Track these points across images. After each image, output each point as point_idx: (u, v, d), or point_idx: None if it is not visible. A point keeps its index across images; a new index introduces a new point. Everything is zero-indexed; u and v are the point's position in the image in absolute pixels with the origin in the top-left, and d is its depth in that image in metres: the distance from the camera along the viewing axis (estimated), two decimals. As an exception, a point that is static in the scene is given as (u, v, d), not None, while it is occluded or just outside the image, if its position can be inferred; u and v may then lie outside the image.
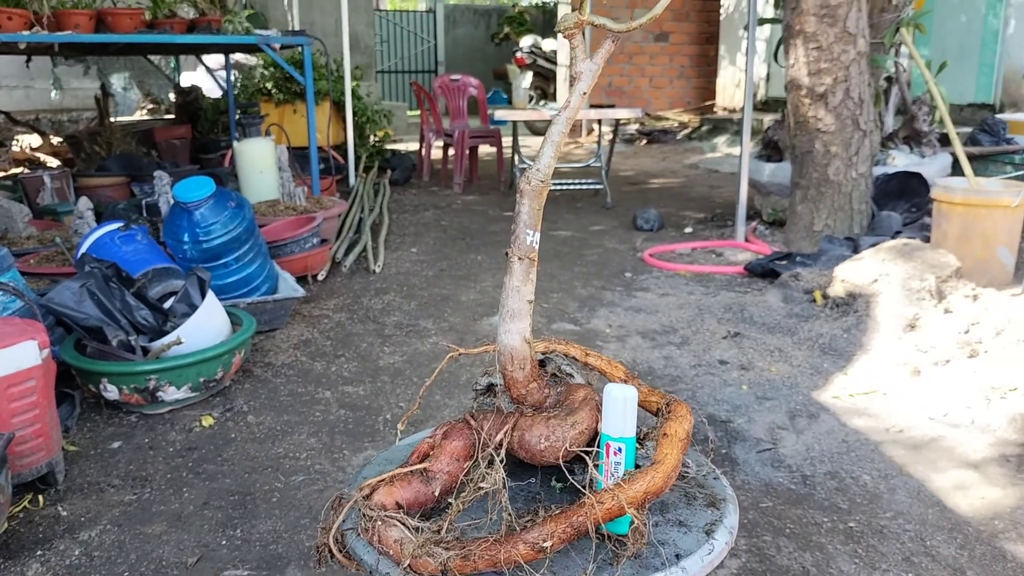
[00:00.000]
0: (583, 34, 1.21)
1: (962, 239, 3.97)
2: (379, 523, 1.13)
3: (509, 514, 1.12)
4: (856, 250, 4.17)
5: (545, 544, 1.06)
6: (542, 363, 1.33)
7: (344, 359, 3.35)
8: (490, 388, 1.34)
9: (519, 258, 1.24)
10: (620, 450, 1.19)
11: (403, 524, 1.12)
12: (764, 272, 4.30)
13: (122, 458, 2.57)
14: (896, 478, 2.39)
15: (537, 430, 1.22)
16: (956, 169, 4.81)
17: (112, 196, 5.56)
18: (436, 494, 1.21)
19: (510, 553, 1.05)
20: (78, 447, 2.64)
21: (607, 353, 3.36)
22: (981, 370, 2.97)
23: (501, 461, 1.18)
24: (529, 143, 10.26)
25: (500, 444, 1.22)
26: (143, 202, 4.35)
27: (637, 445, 1.23)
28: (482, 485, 1.18)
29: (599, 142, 7.16)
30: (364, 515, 1.14)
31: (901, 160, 4.92)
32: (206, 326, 2.88)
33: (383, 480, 1.24)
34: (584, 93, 1.19)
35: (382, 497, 1.19)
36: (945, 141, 5.18)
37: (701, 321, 3.72)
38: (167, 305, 3.02)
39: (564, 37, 1.18)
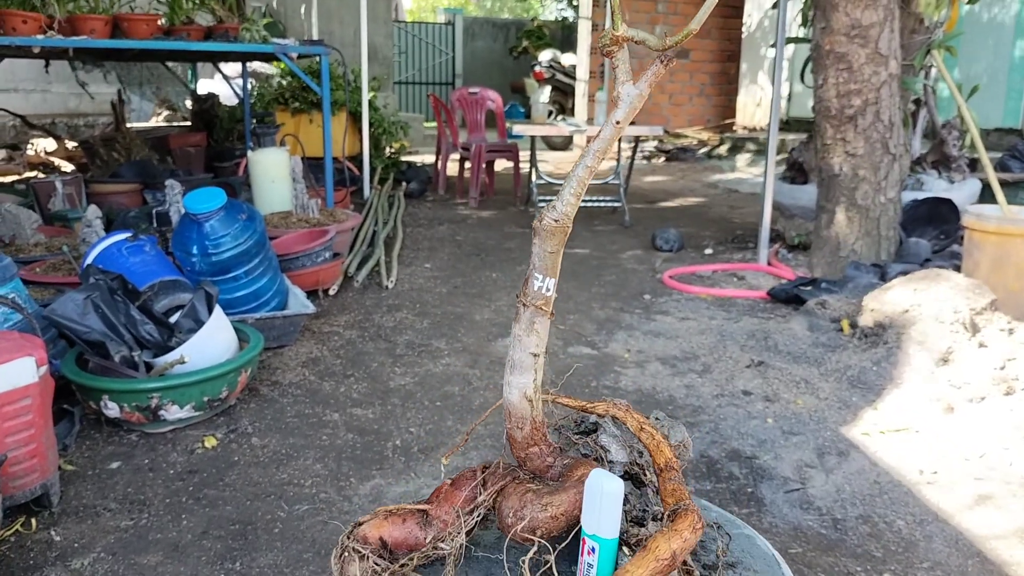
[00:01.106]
0: (625, 51, 1.09)
1: (995, 269, 3.83)
2: (347, 554, 1.06)
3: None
4: (884, 277, 4.04)
5: None
6: (586, 430, 1.20)
7: (353, 379, 3.24)
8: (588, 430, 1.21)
9: (524, 305, 1.11)
10: (593, 550, 1.01)
11: (369, 560, 1.04)
12: (788, 298, 4.18)
13: (120, 480, 2.47)
14: (932, 524, 2.26)
15: (510, 502, 1.09)
16: (985, 196, 4.68)
17: (124, 203, 5.50)
18: (428, 540, 1.10)
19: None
20: (76, 466, 2.54)
21: (625, 379, 3.25)
22: (1018, 408, 2.84)
23: (478, 522, 1.08)
24: (547, 158, 10.18)
25: (479, 506, 1.10)
26: (153, 211, 4.27)
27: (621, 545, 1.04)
28: (440, 546, 1.07)
29: (618, 159, 7.05)
30: (341, 543, 1.10)
31: (931, 185, 4.80)
32: (212, 343, 2.78)
33: (378, 513, 1.16)
34: (618, 122, 1.06)
35: (368, 530, 1.13)
36: (974, 166, 5.05)
37: (723, 348, 3.60)
38: (173, 319, 2.93)
39: (604, 55, 1.07)
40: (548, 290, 1.11)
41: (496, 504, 1.11)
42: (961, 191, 4.87)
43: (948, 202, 4.66)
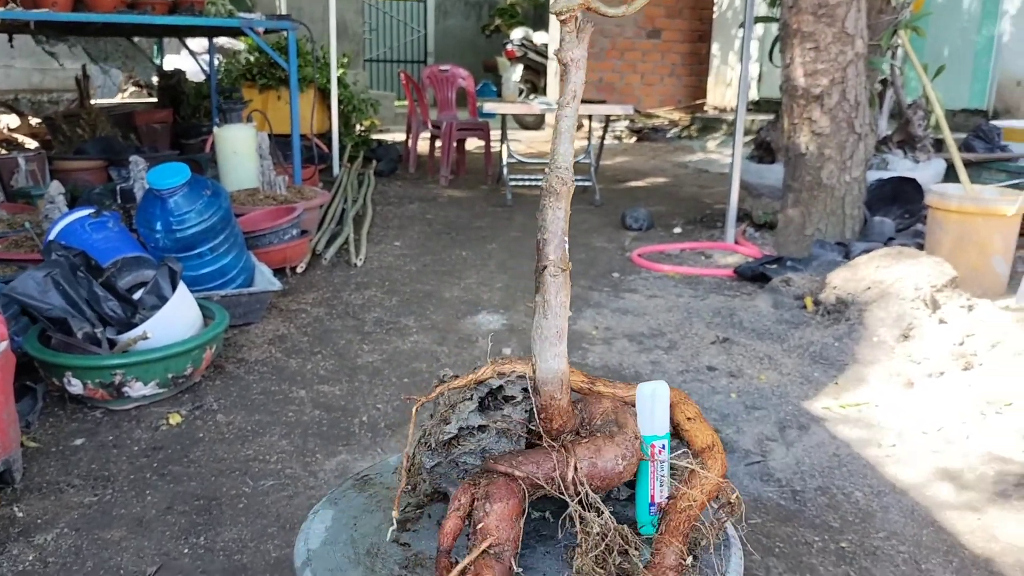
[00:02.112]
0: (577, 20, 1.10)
1: (957, 247, 3.90)
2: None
3: (637, 549, 1.04)
4: (848, 256, 4.09)
5: (685, 560, 1.03)
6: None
7: (321, 356, 3.24)
8: (497, 400, 1.21)
9: (558, 270, 1.11)
10: (663, 447, 1.14)
11: None
12: (754, 276, 4.22)
13: (84, 456, 2.45)
14: (889, 495, 2.31)
15: (609, 452, 1.10)
16: (949, 175, 4.74)
17: (89, 180, 5.42)
18: (511, 567, 1.03)
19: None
20: (39, 443, 2.52)
21: (592, 356, 3.27)
22: (976, 383, 2.89)
23: (585, 499, 1.07)
24: (519, 137, 10.16)
25: (578, 482, 1.08)
26: (117, 188, 4.21)
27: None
28: (590, 530, 1.05)
29: (589, 138, 7.06)
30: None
31: (896, 165, 4.85)
32: (176, 319, 2.76)
33: None
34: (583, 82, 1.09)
35: None
36: (939, 146, 5.12)
37: (689, 325, 3.63)
38: (136, 296, 2.90)
39: (560, 20, 1.07)
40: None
41: (583, 470, 1.10)
42: (926, 171, 4.93)
43: (912, 182, 4.72)
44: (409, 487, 1.19)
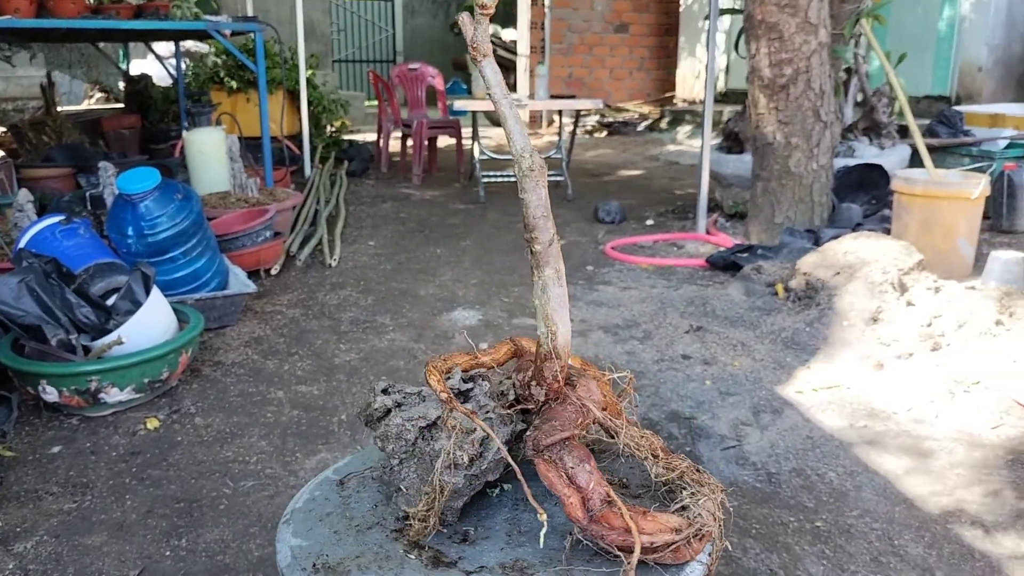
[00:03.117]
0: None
1: (923, 231, 3.97)
2: None
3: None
4: (817, 242, 4.15)
5: None
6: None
7: (298, 357, 3.24)
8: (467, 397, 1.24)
9: (553, 243, 1.18)
10: None
11: None
12: (726, 265, 4.27)
13: (62, 464, 2.44)
14: (862, 475, 2.35)
15: (593, 387, 1.24)
16: (914, 161, 4.82)
17: (58, 187, 5.37)
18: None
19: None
20: (15, 452, 2.51)
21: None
22: (944, 363, 2.95)
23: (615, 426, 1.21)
24: (490, 134, 10.17)
25: (602, 416, 1.20)
26: (87, 194, 4.19)
27: None
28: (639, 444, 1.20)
29: (560, 133, 7.09)
30: None
31: (862, 152, 4.92)
32: (150, 324, 2.75)
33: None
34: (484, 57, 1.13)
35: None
36: (904, 133, 5.19)
37: (663, 315, 3.67)
38: (110, 302, 2.89)
39: (482, 13, 1.10)
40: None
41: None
42: (891, 157, 5.00)
43: (879, 168, 4.79)
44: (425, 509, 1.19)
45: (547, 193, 1.19)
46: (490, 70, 1.13)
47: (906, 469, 2.37)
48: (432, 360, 1.23)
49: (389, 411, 1.25)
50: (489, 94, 1.14)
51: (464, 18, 1.10)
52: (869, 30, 4.79)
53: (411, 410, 1.24)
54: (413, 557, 1.12)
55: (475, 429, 1.15)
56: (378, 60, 16.82)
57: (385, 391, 1.28)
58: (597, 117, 11.00)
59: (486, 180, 6.58)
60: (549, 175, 6.03)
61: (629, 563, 1.03)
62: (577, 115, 7.08)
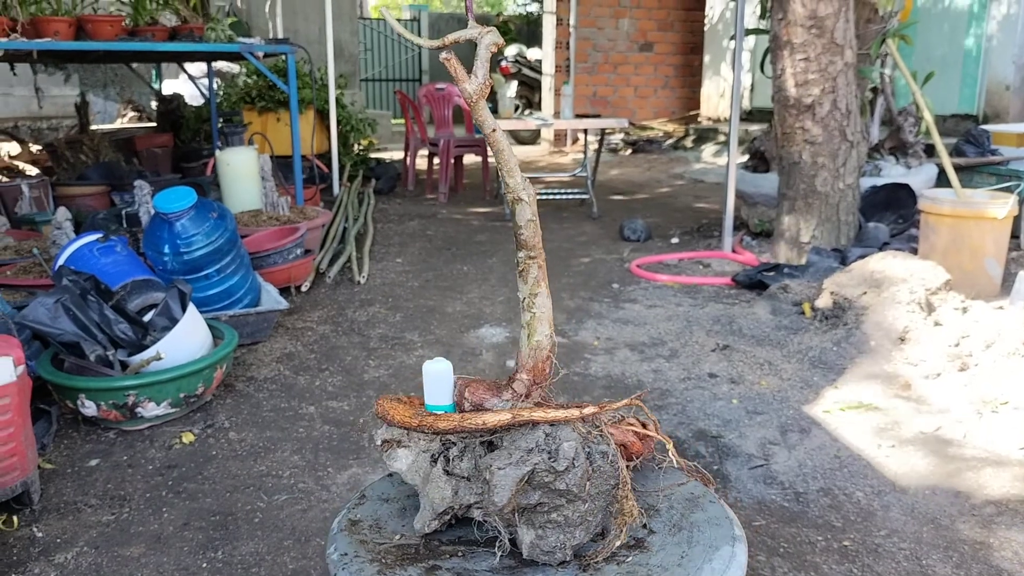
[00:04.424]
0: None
1: (950, 251, 3.96)
2: None
3: None
4: (844, 262, 4.16)
5: None
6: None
7: (328, 373, 3.29)
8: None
9: (538, 257, 1.31)
10: None
11: None
12: (752, 284, 4.28)
13: (100, 476, 2.50)
14: (890, 495, 2.36)
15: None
16: (941, 180, 4.81)
17: (92, 205, 5.49)
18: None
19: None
20: (54, 465, 2.57)
21: (595, 366, 3.33)
22: (972, 383, 2.95)
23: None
24: (514, 152, 10.22)
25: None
26: (123, 212, 4.28)
27: None
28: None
29: (584, 152, 7.13)
30: None
31: (889, 171, 4.92)
32: (186, 340, 2.81)
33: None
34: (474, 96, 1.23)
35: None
36: (930, 152, 5.19)
37: (690, 333, 3.69)
38: (147, 318, 2.96)
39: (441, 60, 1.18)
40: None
41: None
42: (918, 176, 5.00)
43: (905, 187, 4.79)
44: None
45: (535, 216, 1.30)
46: (484, 113, 1.20)
47: (935, 489, 2.38)
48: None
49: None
50: (480, 129, 1.22)
51: (454, 65, 1.16)
52: (895, 50, 4.80)
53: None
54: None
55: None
56: (404, 79, 17.00)
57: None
58: (622, 135, 11.05)
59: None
60: (574, 193, 6.09)
61: None
62: (602, 134, 7.13)
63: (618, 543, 1.19)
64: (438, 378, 1.31)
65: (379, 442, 1.30)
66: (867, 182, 4.85)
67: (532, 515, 1.17)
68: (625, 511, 1.20)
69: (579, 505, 1.17)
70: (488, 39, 1.14)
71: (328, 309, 4.10)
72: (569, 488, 1.15)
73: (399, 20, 17.69)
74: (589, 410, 1.18)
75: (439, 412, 1.27)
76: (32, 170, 7.36)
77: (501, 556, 1.19)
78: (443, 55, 1.14)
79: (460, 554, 1.20)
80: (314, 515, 2.27)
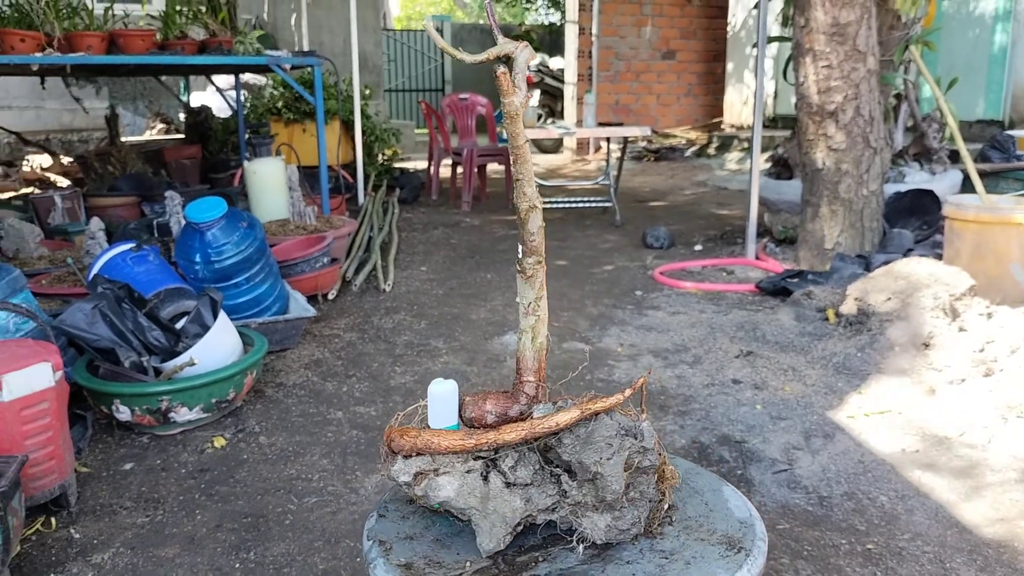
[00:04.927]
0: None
1: (975, 256, 3.95)
2: None
3: None
4: (868, 268, 4.16)
5: None
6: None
7: (355, 379, 3.34)
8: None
9: (541, 264, 1.28)
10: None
11: None
12: (776, 290, 4.29)
13: (134, 480, 2.56)
14: (913, 499, 2.37)
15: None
16: (966, 186, 4.80)
17: (123, 216, 5.59)
18: None
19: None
20: (90, 468, 2.63)
21: (618, 373, 3.35)
22: (997, 389, 2.95)
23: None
24: (537, 161, 10.28)
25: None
26: (154, 222, 4.36)
27: None
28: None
29: (607, 160, 7.17)
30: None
31: (913, 177, 4.91)
32: (218, 346, 2.87)
33: None
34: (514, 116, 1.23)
35: None
36: (955, 158, 5.17)
37: (713, 340, 3.70)
38: (179, 325, 3.02)
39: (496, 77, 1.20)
40: (519, 254, 1.30)
41: None
42: (942, 182, 4.99)
43: (930, 193, 4.78)
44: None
45: (541, 224, 1.28)
46: (520, 126, 1.22)
47: (959, 493, 2.38)
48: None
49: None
50: (510, 145, 1.23)
51: (507, 78, 1.18)
52: (918, 56, 4.80)
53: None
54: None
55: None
56: (427, 89, 17.11)
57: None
58: (645, 143, 11.07)
59: (535, 207, 6.66)
60: (597, 201, 6.11)
61: None
62: (625, 142, 7.16)
63: (667, 505, 1.26)
64: (444, 399, 1.28)
65: (407, 479, 1.23)
66: (891, 188, 4.85)
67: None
68: (667, 476, 1.26)
69: (652, 478, 1.23)
70: (525, 54, 1.17)
71: (354, 316, 4.15)
72: (652, 464, 1.21)
73: (422, 31, 17.83)
74: (628, 392, 1.23)
75: (503, 426, 1.24)
76: (64, 182, 7.51)
77: (581, 547, 1.21)
78: (500, 69, 1.16)
79: (542, 559, 1.20)
80: (343, 517, 2.31)
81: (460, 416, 1.30)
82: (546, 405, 1.28)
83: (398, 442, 1.24)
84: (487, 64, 1.18)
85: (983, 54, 7.83)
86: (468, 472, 1.22)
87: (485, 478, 1.22)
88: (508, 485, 1.22)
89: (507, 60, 1.16)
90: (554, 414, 1.21)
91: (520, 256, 1.30)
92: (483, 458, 1.24)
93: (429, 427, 1.29)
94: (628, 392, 1.23)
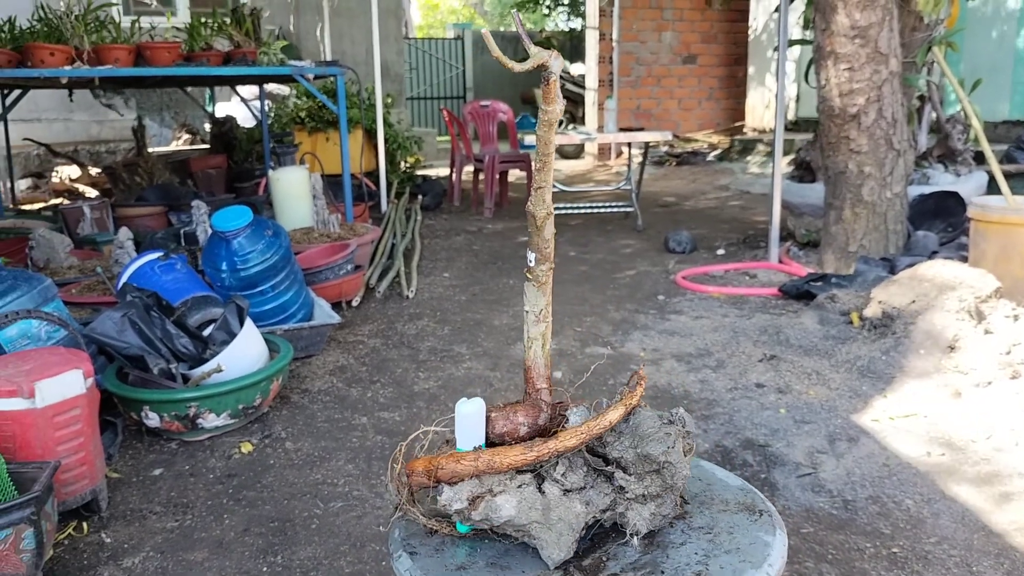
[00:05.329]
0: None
1: (1000, 258, 3.92)
2: None
3: None
4: (892, 271, 4.13)
5: None
6: None
7: (380, 385, 3.37)
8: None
9: (549, 270, 1.32)
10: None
11: None
12: (799, 294, 4.27)
13: (163, 485, 2.60)
14: (939, 502, 2.35)
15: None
16: (992, 187, 4.76)
17: (150, 226, 5.66)
18: None
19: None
20: (120, 474, 2.68)
21: (642, 377, 3.35)
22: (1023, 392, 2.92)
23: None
24: (559, 166, 10.30)
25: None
26: (181, 231, 4.42)
27: None
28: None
29: (629, 165, 7.17)
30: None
31: (937, 179, 4.88)
32: (245, 353, 2.91)
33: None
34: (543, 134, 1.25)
35: None
36: (980, 159, 5.13)
37: (736, 344, 3.70)
38: (206, 333, 3.06)
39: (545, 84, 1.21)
40: (531, 261, 1.33)
41: None
42: (967, 184, 4.95)
43: (955, 195, 4.75)
44: None
45: (551, 232, 1.34)
46: (553, 134, 1.23)
47: (985, 497, 2.37)
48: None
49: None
50: (538, 153, 1.25)
51: (554, 87, 1.20)
52: (941, 58, 4.77)
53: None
54: None
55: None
56: (449, 96, 17.20)
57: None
58: (666, 148, 11.06)
59: (556, 212, 6.68)
60: (619, 206, 6.10)
61: None
62: (646, 147, 7.16)
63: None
64: (472, 419, 1.24)
65: (461, 505, 1.19)
66: (915, 190, 4.82)
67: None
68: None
69: (690, 460, 1.26)
70: (558, 64, 1.19)
71: (378, 323, 4.19)
72: (692, 446, 1.25)
73: (443, 39, 17.93)
74: (638, 382, 1.27)
75: (560, 434, 1.22)
76: (92, 192, 7.62)
77: (635, 539, 1.22)
78: (552, 77, 1.18)
79: (605, 558, 1.20)
80: (368, 521, 2.34)
81: (488, 431, 1.26)
82: (578, 408, 1.28)
83: (449, 469, 1.19)
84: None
85: (1008, 54, 7.76)
86: (521, 487, 1.21)
87: (541, 490, 1.21)
88: (566, 492, 1.21)
89: (543, 68, 1.17)
90: (605, 413, 1.22)
91: (532, 263, 1.29)
92: (530, 471, 1.23)
93: (457, 448, 1.26)
94: (638, 382, 1.25)
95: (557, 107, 1.21)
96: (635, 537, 1.21)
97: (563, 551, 1.19)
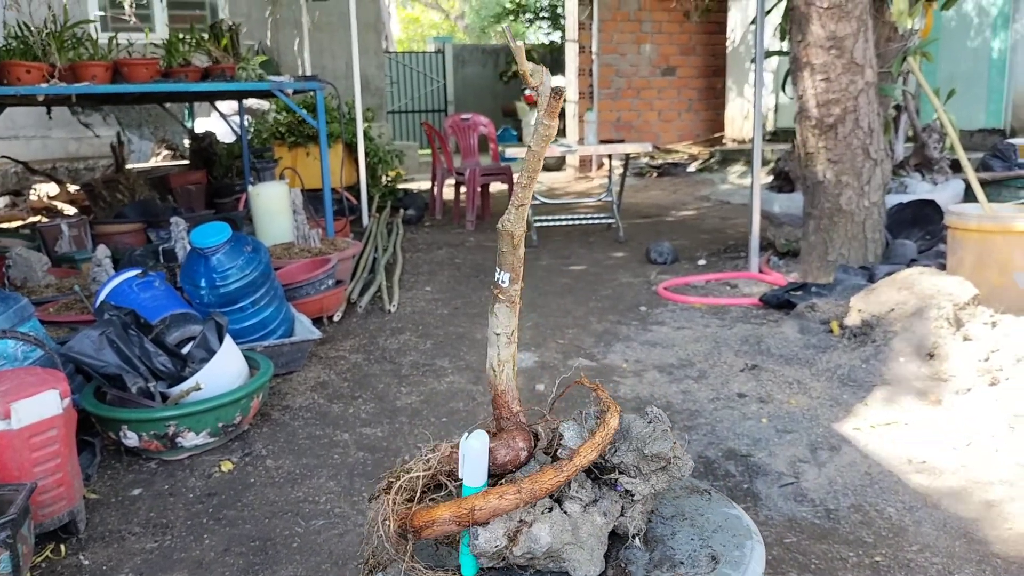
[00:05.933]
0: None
1: (978, 265, 3.95)
2: None
3: None
4: (871, 279, 4.16)
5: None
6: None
7: (361, 400, 3.35)
8: None
9: (493, 296, 1.33)
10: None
11: None
12: (780, 303, 4.29)
13: (142, 505, 2.57)
14: (921, 510, 2.36)
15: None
16: (968, 195, 4.81)
17: (129, 242, 5.63)
18: None
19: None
20: (99, 495, 2.64)
21: (624, 388, 3.36)
22: (1003, 398, 2.94)
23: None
24: (541, 179, 10.31)
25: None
26: (160, 248, 4.39)
27: None
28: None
29: (610, 176, 7.19)
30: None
31: (915, 188, 4.92)
32: (224, 371, 2.89)
33: None
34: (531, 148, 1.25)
35: None
36: (956, 167, 5.18)
37: (718, 354, 3.71)
38: (185, 351, 3.04)
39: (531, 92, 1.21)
40: (504, 281, 1.32)
41: None
42: (944, 192, 5.00)
43: (932, 203, 4.79)
44: None
45: (521, 253, 1.33)
46: (544, 151, 1.22)
47: (967, 504, 2.38)
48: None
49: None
50: (519, 176, 1.25)
51: (558, 104, 1.20)
52: (916, 68, 4.82)
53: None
54: None
55: None
56: (430, 110, 17.21)
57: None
58: (647, 159, 11.10)
59: (538, 224, 6.70)
60: (600, 218, 6.12)
61: None
62: (627, 158, 7.19)
63: None
64: (480, 453, 1.20)
65: (501, 544, 1.16)
66: (893, 199, 4.86)
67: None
68: None
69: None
70: (556, 80, 1.20)
71: (360, 338, 4.17)
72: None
73: (424, 53, 17.97)
74: (602, 390, 1.31)
75: (580, 450, 1.21)
76: (70, 210, 7.56)
77: (638, 540, 1.24)
78: (559, 95, 1.19)
79: (623, 566, 1.21)
80: (351, 539, 2.32)
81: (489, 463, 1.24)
82: (568, 423, 1.28)
83: (490, 508, 1.15)
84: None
85: (983, 63, 7.85)
86: (545, 512, 1.19)
87: (564, 512, 1.20)
88: (585, 508, 1.21)
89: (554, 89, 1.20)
90: (606, 421, 1.23)
91: (505, 283, 1.26)
92: (553, 493, 1.22)
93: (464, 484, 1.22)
94: (600, 389, 1.30)
95: (555, 123, 1.22)
96: (637, 538, 1.21)
97: (596, 566, 1.19)
